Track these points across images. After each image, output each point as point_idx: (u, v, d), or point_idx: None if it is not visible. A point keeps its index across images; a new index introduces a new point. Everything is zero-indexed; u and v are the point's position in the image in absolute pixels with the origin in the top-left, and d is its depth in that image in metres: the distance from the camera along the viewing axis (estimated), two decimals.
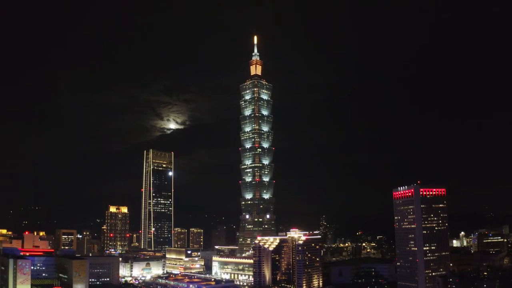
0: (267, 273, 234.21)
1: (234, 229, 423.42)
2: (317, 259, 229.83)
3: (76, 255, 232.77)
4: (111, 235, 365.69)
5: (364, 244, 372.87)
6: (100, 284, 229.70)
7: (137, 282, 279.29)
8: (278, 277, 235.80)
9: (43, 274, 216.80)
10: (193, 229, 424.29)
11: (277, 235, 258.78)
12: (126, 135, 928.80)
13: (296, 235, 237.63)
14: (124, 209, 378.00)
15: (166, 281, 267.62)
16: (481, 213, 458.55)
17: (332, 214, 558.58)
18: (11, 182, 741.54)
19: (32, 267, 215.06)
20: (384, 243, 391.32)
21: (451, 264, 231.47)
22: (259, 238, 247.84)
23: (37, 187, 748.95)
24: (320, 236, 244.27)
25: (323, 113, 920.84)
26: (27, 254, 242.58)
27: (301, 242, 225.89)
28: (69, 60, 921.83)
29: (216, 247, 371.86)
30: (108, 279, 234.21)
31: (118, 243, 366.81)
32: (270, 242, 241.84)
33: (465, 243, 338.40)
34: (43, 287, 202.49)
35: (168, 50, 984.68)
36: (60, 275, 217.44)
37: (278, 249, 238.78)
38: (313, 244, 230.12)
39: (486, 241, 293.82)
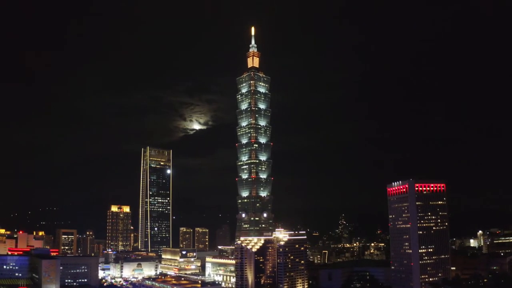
0: (250, 276, 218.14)
1: None
2: (302, 261, 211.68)
3: (51, 255, 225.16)
4: (112, 234, 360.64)
5: (372, 244, 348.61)
6: (77, 285, 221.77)
7: (125, 283, 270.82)
8: (262, 281, 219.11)
9: (16, 274, 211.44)
10: (198, 228, 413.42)
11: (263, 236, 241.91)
12: (150, 136, 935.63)
13: (282, 235, 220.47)
14: (127, 209, 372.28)
15: (153, 282, 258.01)
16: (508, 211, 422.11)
17: (350, 213, 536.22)
18: (30, 183, 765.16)
19: (4, 267, 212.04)
20: None
21: (453, 268, 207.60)
22: (242, 238, 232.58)
23: (55, 188, 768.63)
24: (305, 237, 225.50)
25: (327, 111, 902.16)
26: (16, 253, 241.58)
27: (282, 243, 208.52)
28: (91, 62, 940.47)
29: (219, 247, 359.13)
30: (85, 279, 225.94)
31: (120, 243, 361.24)
32: (254, 242, 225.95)
33: (482, 243, 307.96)
34: (10, 287, 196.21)
35: (187, 51, 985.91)
36: (34, 275, 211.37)
37: (263, 250, 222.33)
38: (296, 245, 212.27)
39: (497, 241, 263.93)
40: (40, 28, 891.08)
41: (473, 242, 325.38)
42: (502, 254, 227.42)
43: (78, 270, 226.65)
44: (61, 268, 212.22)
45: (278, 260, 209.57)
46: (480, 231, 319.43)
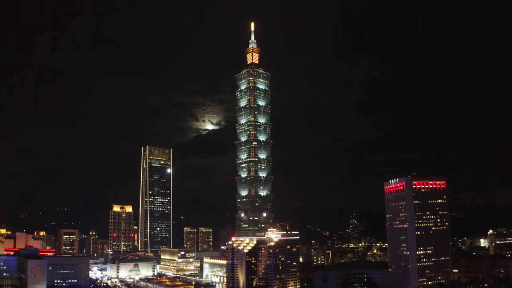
0: (241, 277, 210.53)
1: None
2: (294, 263, 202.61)
3: (39, 255, 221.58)
4: (114, 234, 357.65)
5: (377, 244, 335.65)
6: (66, 285, 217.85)
7: (121, 284, 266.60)
8: (254, 283, 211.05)
9: (4, 274, 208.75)
10: (202, 228, 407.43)
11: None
12: (162, 137, 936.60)
13: (274, 235, 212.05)
14: (129, 209, 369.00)
15: (148, 283, 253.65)
16: None
17: (362, 213, 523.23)
18: (38, 184, 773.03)
19: None
20: None
21: (455, 271, 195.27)
22: (233, 239, 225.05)
23: (66, 188, 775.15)
24: (298, 237, 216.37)
25: (330, 111, 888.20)
26: (5, 253, 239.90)
27: (272, 243, 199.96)
28: (103, 63, 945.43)
29: (222, 247, 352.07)
30: (75, 280, 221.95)
31: (122, 243, 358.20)
32: (246, 243, 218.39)
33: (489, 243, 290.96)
34: None
35: (198, 51, 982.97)
36: (21, 275, 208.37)
37: (255, 251, 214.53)
38: (288, 246, 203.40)
39: (504, 242, 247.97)
40: (43, 28, 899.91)
41: (483, 242, 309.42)
42: (508, 255, 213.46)
43: (67, 271, 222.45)
44: (50, 268, 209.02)
45: (268, 262, 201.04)
46: (490, 231, 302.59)
